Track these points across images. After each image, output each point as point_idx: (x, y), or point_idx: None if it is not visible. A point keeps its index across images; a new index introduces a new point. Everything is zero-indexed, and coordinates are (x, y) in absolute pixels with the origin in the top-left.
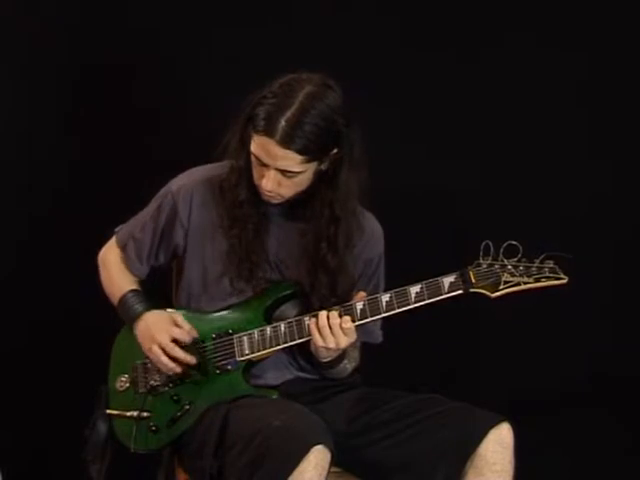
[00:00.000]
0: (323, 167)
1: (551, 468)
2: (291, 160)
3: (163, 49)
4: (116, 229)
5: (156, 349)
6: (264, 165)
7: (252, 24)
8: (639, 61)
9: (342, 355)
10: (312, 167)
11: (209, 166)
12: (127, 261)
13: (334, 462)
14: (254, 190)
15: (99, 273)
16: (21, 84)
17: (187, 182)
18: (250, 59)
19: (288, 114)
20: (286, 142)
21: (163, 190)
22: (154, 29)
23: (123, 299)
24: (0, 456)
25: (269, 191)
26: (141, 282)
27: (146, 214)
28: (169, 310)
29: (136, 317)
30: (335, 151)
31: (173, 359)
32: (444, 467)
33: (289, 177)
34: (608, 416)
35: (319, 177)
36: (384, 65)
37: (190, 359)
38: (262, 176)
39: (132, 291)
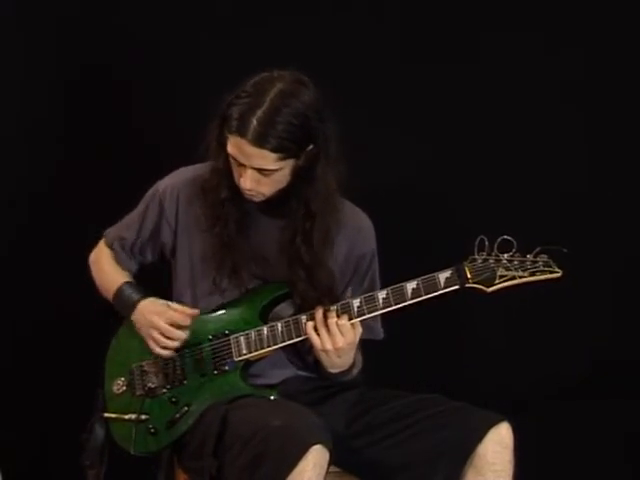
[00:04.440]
0: (300, 163)
1: (551, 467)
2: (266, 159)
3: (163, 49)
4: (105, 232)
5: (156, 334)
6: (241, 165)
7: (252, 24)
8: (634, 57)
9: (351, 367)
10: (289, 164)
11: (195, 166)
12: (117, 256)
13: (333, 462)
14: (235, 189)
15: (91, 274)
16: (20, 83)
17: (173, 182)
18: (250, 60)
19: (259, 113)
20: (259, 141)
21: (150, 191)
22: (153, 29)
23: (118, 291)
24: (0, 456)
25: (249, 190)
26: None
27: (134, 215)
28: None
29: (133, 305)
30: (311, 147)
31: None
32: (444, 467)
33: (267, 175)
34: (608, 416)
35: (297, 173)
36: (381, 65)
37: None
38: (241, 175)
39: (126, 283)
